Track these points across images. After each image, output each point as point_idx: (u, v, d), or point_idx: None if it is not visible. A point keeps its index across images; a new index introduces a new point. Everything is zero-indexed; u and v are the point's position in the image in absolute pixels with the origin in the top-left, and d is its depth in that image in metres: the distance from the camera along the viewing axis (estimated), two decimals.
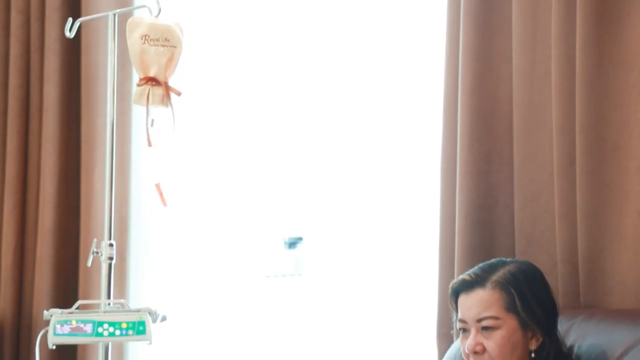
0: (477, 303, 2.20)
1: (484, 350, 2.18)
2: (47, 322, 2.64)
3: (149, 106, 2.75)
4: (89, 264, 2.82)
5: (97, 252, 2.78)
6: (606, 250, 2.48)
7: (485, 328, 2.18)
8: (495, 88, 2.78)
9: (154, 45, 2.72)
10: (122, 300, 2.73)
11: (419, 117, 3.15)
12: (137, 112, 3.40)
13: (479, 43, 2.78)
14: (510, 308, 2.18)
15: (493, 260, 2.30)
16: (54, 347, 2.64)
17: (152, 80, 2.73)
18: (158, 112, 2.78)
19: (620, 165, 2.49)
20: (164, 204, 2.81)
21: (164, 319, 2.67)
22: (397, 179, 3.20)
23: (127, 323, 2.61)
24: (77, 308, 2.67)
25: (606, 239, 2.49)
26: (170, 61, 2.73)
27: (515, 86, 2.73)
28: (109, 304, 2.73)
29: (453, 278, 2.46)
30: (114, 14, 2.84)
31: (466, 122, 2.77)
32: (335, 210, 3.33)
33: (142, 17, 2.78)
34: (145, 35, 2.73)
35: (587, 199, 2.51)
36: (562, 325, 2.28)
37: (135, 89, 2.79)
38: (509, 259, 2.30)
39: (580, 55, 2.54)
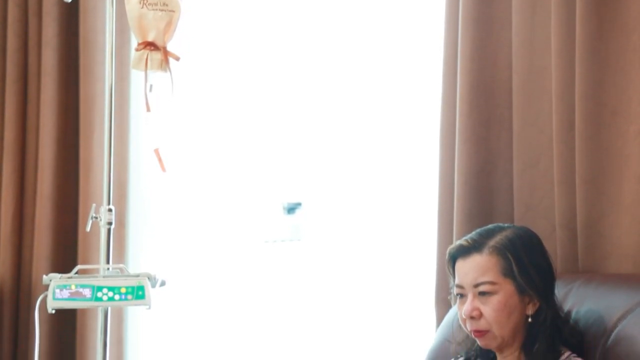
0: (474, 268, 2.20)
1: (481, 315, 2.19)
2: (47, 287, 2.65)
3: (148, 71, 2.75)
4: (88, 229, 2.82)
5: (96, 217, 2.79)
6: (605, 215, 2.49)
7: (482, 293, 2.19)
8: (494, 54, 2.78)
9: (153, 9, 2.71)
10: (121, 265, 2.74)
11: (418, 83, 3.14)
12: (136, 77, 3.39)
13: (479, 8, 2.77)
14: (507, 273, 2.18)
15: (490, 225, 2.31)
16: (53, 312, 2.65)
17: (150, 45, 2.73)
18: (157, 77, 2.78)
19: (619, 131, 2.49)
20: (163, 169, 2.81)
21: (163, 283, 2.67)
22: (396, 145, 3.20)
23: (126, 288, 2.62)
24: (76, 273, 2.68)
25: (605, 204, 2.49)
26: (169, 26, 2.72)
27: (515, 52, 2.72)
28: (108, 268, 2.74)
29: (451, 244, 2.46)
30: None
31: (465, 88, 2.76)
32: (333, 175, 3.33)
33: None
34: (144, 0, 2.72)
35: (586, 164, 2.51)
36: (560, 290, 2.29)
37: (133, 53, 2.78)
38: (506, 225, 2.31)
39: (580, 21, 2.53)
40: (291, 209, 3.44)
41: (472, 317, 2.20)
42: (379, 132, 3.23)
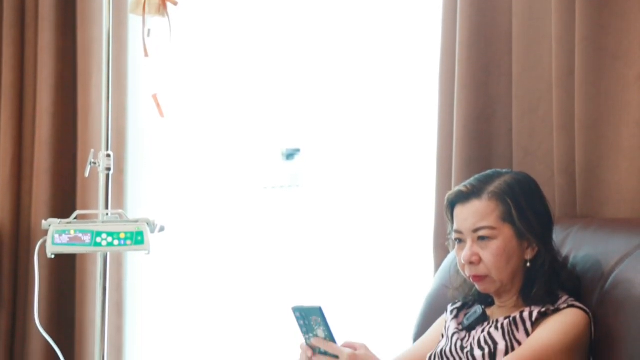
0: (473, 214, 2.21)
1: (480, 260, 2.20)
2: (46, 232, 2.66)
3: (146, 16, 2.73)
4: (87, 174, 2.82)
5: (95, 163, 2.79)
6: (604, 160, 2.48)
7: (481, 238, 2.20)
8: None
9: None
10: (120, 211, 2.74)
11: (418, 28, 3.12)
12: (134, 22, 3.37)
13: None
14: (506, 218, 2.19)
15: (489, 171, 2.31)
16: (53, 257, 2.66)
17: None
18: (155, 22, 2.76)
19: (619, 75, 2.48)
20: (162, 114, 2.81)
21: (162, 229, 2.68)
22: (395, 89, 3.19)
23: (126, 233, 2.62)
24: (75, 218, 2.68)
25: (604, 149, 2.48)
26: None
27: None
28: (107, 214, 2.75)
29: (450, 189, 2.46)
30: None
31: (465, 33, 2.74)
32: (332, 121, 3.33)
33: None
34: None
35: (585, 109, 2.51)
36: (558, 235, 2.30)
37: None
38: (504, 170, 2.31)
39: None
40: (290, 155, 3.44)
41: (471, 263, 2.20)
42: (378, 78, 3.22)
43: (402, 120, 3.17)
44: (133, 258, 3.53)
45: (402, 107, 3.17)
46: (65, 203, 3.55)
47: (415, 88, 3.13)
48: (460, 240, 2.24)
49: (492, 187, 2.21)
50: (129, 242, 2.62)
